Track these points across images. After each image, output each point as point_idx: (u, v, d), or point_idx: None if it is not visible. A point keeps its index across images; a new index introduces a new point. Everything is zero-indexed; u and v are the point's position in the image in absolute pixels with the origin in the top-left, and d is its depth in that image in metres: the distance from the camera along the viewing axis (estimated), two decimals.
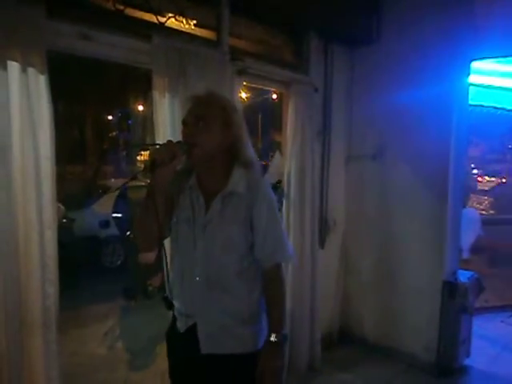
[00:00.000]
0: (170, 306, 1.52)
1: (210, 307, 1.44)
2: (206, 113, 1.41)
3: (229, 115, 1.44)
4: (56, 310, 1.94)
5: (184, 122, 1.45)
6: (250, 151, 1.49)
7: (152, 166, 1.28)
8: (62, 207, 6.15)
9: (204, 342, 1.44)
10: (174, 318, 1.55)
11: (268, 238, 1.45)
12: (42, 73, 1.83)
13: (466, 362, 3.40)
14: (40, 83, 1.83)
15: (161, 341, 3.73)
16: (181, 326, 1.50)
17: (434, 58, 3.12)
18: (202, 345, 1.44)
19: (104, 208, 6.67)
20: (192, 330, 1.46)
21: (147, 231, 1.40)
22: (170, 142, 1.35)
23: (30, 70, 1.79)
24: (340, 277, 3.74)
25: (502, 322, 4.31)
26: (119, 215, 6.60)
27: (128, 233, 5.93)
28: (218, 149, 1.42)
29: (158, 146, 1.36)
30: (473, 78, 3.27)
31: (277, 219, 1.50)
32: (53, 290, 1.92)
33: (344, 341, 3.71)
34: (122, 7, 2.21)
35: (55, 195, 1.91)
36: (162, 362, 3.46)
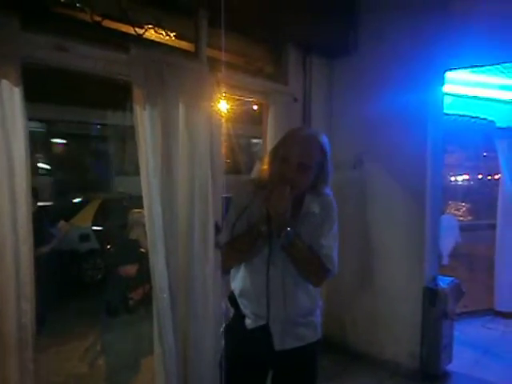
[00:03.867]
0: (236, 305, 1.67)
1: (286, 303, 1.60)
2: (309, 161, 1.54)
3: (326, 161, 1.59)
4: (32, 327, 1.89)
5: (286, 162, 1.54)
6: (326, 187, 1.64)
7: (267, 218, 1.50)
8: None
9: (278, 339, 1.60)
10: (239, 315, 1.67)
11: (324, 246, 1.61)
12: (17, 85, 1.80)
13: (449, 367, 3.43)
14: (14, 95, 1.79)
15: (143, 356, 3.71)
16: (250, 323, 1.63)
17: (409, 68, 3.19)
18: (276, 342, 1.60)
19: (84, 221, 6.55)
20: (261, 328, 1.61)
21: (243, 258, 1.64)
22: (278, 193, 1.47)
23: (4, 82, 1.76)
24: (322, 285, 3.73)
25: (482, 326, 4.38)
26: (99, 228, 6.49)
27: (108, 246, 5.82)
28: (307, 186, 1.59)
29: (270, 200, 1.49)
30: (448, 88, 3.36)
31: (335, 237, 1.66)
32: (29, 306, 1.87)
33: (327, 349, 3.69)
34: (99, 19, 2.20)
35: (30, 210, 1.87)
36: (144, 378, 3.41)
